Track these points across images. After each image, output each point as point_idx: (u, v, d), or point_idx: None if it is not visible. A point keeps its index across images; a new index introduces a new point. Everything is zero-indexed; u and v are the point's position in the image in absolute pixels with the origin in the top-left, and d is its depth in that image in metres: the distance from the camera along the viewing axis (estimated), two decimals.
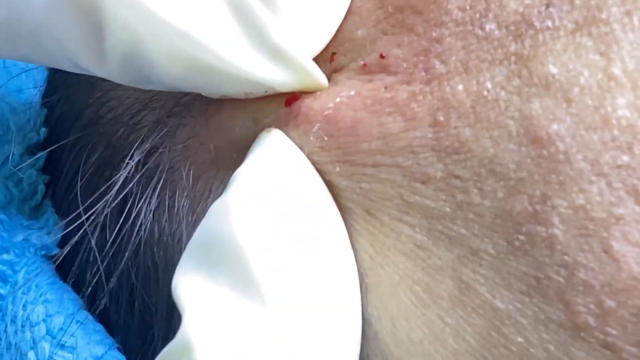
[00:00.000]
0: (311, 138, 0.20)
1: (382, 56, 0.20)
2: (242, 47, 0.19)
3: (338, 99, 0.20)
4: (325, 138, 0.20)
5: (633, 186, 0.17)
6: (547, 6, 0.18)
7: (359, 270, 0.20)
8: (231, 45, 0.19)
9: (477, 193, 0.18)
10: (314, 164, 0.20)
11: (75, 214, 0.24)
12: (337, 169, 0.20)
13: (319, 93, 0.20)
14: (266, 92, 0.20)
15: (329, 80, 0.21)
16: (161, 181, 0.23)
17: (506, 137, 0.18)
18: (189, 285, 0.18)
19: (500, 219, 0.18)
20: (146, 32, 0.19)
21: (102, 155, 0.24)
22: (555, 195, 0.17)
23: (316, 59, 0.21)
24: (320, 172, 0.20)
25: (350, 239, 0.20)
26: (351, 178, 0.20)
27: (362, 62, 0.20)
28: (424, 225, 0.19)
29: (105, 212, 0.23)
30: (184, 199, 0.22)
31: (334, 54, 0.21)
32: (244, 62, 0.19)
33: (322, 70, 0.21)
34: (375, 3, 0.20)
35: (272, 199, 0.19)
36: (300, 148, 0.20)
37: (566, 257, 0.17)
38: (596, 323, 0.17)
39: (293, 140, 0.20)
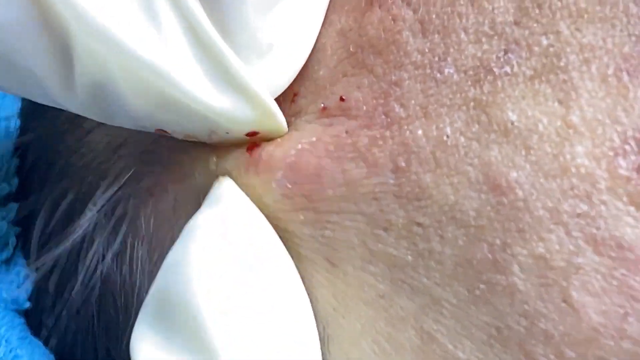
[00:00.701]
0: (273, 185, 0.20)
1: (342, 99, 0.20)
2: (205, 81, 0.19)
3: (300, 146, 0.20)
4: (289, 185, 0.20)
5: (592, 235, 0.17)
6: (506, 52, 0.18)
7: (320, 321, 0.20)
8: (195, 80, 0.19)
9: (438, 241, 0.18)
10: (276, 212, 0.20)
11: (40, 263, 0.23)
12: (301, 217, 0.20)
13: (279, 140, 0.20)
14: (227, 133, 0.20)
15: (289, 124, 0.21)
16: (123, 229, 0.22)
17: (466, 184, 0.18)
18: (145, 353, 0.18)
19: (461, 267, 0.18)
20: (114, 62, 0.18)
21: (71, 203, 0.24)
22: (514, 243, 0.17)
23: (278, 100, 0.20)
24: (283, 220, 0.20)
25: (311, 289, 0.20)
26: (314, 226, 0.20)
27: (322, 105, 0.20)
28: (386, 275, 0.19)
29: (67, 261, 0.22)
30: (143, 248, 0.22)
31: (295, 95, 0.21)
32: (206, 95, 0.19)
33: (283, 111, 0.20)
34: (338, 40, 0.20)
35: (227, 254, 0.19)
36: (261, 196, 0.20)
37: (526, 307, 0.17)
38: None
39: (255, 188, 0.20)
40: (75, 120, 0.24)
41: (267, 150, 0.20)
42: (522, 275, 0.17)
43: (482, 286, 0.18)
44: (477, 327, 0.18)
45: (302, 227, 0.20)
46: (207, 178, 0.21)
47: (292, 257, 0.20)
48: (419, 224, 0.18)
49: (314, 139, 0.20)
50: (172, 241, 0.20)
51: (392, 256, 0.19)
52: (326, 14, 0.21)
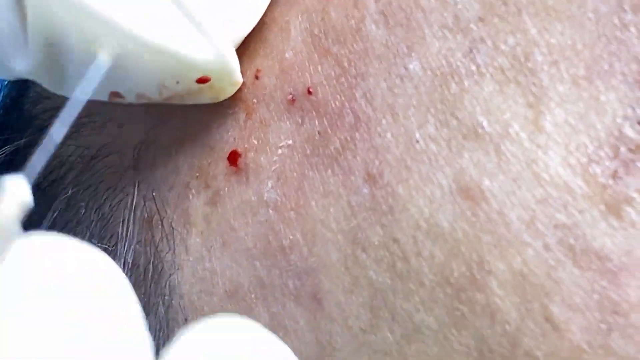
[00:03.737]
0: (265, 198, 0.19)
1: (309, 91, 0.19)
2: (160, 24, 0.18)
3: (280, 151, 0.19)
4: (279, 198, 0.19)
5: (570, 247, 0.16)
6: (471, 50, 0.17)
7: None
8: (148, 23, 0.18)
9: (415, 259, 0.17)
10: (271, 225, 0.19)
11: None
12: (292, 237, 0.19)
13: (257, 143, 0.20)
14: (177, 82, 0.19)
15: (253, 104, 0.20)
16: None
17: (439, 194, 0.17)
18: None
19: (440, 287, 0.17)
20: (65, 16, 0.17)
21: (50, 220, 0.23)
22: (492, 258, 0.17)
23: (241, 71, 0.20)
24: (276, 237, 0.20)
25: (297, 334, 0.19)
26: (301, 252, 0.19)
27: (290, 95, 0.19)
28: (367, 304, 0.18)
29: None
30: None
31: (258, 70, 0.20)
32: (160, 37, 0.18)
33: (244, 83, 0.20)
34: (302, 22, 0.20)
35: None
36: (254, 209, 0.20)
37: (507, 327, 0.16)
38: None
39: (249, 198, 0.20)
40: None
41: (251, 157, 0.20)
42: (501, 292, 0.16)
43: (461, 307, 0.17)
44: (460, 353, 0.17)
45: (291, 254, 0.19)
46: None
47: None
48: (395, 241, 0.18)
49: (290, 141, 0.19)
50: None
51: (372, 280, 0.18)
52: None
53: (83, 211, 0.22)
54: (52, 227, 0.23)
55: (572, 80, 0.17)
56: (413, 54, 0.18)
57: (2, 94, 0.27)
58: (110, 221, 0.22)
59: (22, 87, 0.25)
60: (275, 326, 0.19)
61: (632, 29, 0.17)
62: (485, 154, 0.17)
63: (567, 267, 0.16)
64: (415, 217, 0.17)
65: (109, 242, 0.22)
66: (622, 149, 0.16)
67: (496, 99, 0.17)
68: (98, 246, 0.21)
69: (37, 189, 0.23)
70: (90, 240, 0.21)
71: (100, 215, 0.22)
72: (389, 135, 0.18)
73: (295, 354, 0.19)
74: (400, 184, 0.18)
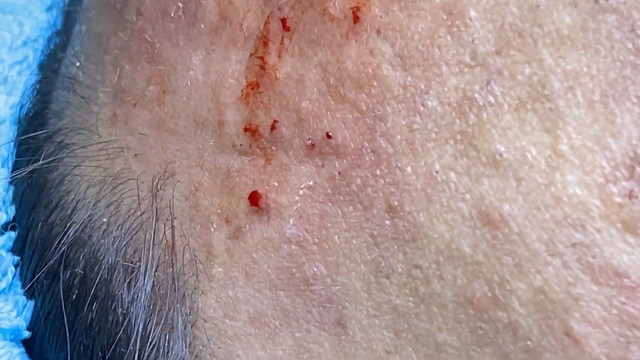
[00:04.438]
0: (287, 234, 0.20)
1: (329, 136, 0.20)
2: None
3: (301, 192, 0.20)
4: (300, 234, 0.20)
5: (589, 264, 0.17)
6: (488, 82, 0.18)
7: None
8: None
9: (437, 282, 0.18)
10: (289, 260, 0.20)
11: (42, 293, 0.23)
12: (316, 270, 0.20)
13: (277, 185, 0.20)
14: None
15: (269, 153, 0.21)
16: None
17: (460, 220, 0.18)
18: None
19: (462, 308, 0.18)
20: None
21: (72, 235, 0.24)
22: (513, 277, 0.17)
23: (253, 124, 0.21)
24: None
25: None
26: (325, 282, 0.20)
27: (309, 141, 0.20)
28: (390, 327, 0.19)
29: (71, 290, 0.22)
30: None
31: (275, 121, 0.21)
32: None
33: (261, 136, 0.20)
34: (317, 73, 0.20)
35: None
36: (276, 245, 0.20)
37: (529, 343, 0.17)
38: None
39: (271, 235, 0.20)
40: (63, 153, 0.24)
41: (272, 198, 0.20)
42: (523, 310, 0.17)
43: (484, 325, 0.17)
44: None
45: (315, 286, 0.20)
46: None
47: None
48: (417, 267, 0.18)
49: (311, 182, 0.20)
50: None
51: (396, 305, 0.19)
52: (299, 48, 0.21)
53: (104, 227, 0.23)
54: (76, 241, 0.23)
55: (588, 105, 0.17)
56: (431, 91, 0.19)
57: (25, 106, 0.27)
58: (134, 239, 0.22)
59: (45, 99, 0.26)
60: (300, 350, 0.20)
61: None
62: (505, 180, 0.18)
63: (586, 284, 0.17)
64: (437, 243, 0.18)
65: (132, 259, 0.22)
66: (638, 169, 0.17)
67: (514, 126, 0.18)
68: (123, 263, 0.22)
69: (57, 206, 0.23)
70: (115, 255, 0.22)
71: (122, 232, 0.22)
72: (409, 169, 0.19)
73: None
74: (421, 212, 0.18)
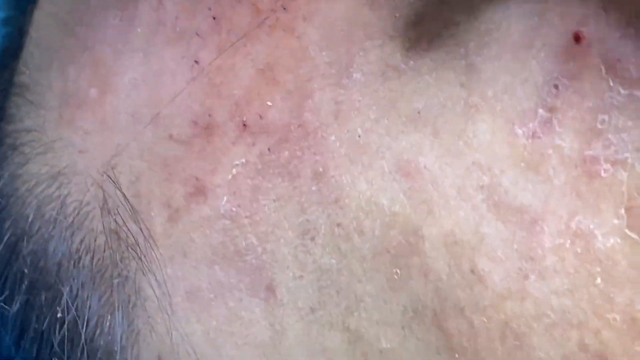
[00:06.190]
0: (222, 211, 0.21)
1: (260, 117, 0.21)
2: None
3: (234, 170, 0.21)
4: (234, 209, 0.21)
5: (494, 204, 0.17)
6: (408, 50, 0.19)
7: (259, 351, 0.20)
8: None
9: (357, 237, 0.19)
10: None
11: None
12: (251, 239, 0.21)
13: (212, 167, 0.21)
14: None
15: (208, 141, 0.21)
16: None
17: (380, 177, 0.19)
18: None
19: (380, 257, 0.18)
20: None
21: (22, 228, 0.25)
22: (426, 224, 0.18)
23: (189, 115, 0.21)
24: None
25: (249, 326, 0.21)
26: (256, 251, 0.20)
27: (242, 123, 0.21)
28: (315, 285, 0.19)
29: None
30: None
31: (210, 109, 0.21)
32: None
33: (201, 125, 0.21)
34: (248, 61, 0.21)
35: None
36: (212, 222, 0.21)
37: (439, 284, 0.17)
38: (468, 343, 0.17)
39: (207, 213, 0.21)
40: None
41: (207, 180, 0.21)
42: (434, 253, 0.17)
43: (399, 272, 0.18)
44: (397, 314, 0.18)
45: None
46: None
47: None
48: (339, 225, 0.19)
49: (243, 160, 0.21)
50: None
51: (320, 264, 0.19)
52: (230, 41, 0.21)
53: (53, 220, 0.24)
54: (25, 234, 0.24)
55: (497, 58, 0.18)
56: (355, 65, 0.20)
57: None
58: (81, 229, 0.23)
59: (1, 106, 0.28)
60: (233, 318, 0.21)
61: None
62: (422, 135, 0.18)
63: (492, 223, 0.17)
64: (358, 201, 0.19)
65: (79, 248, 0.23)
66: (540, 111, 0.17)
67: (432, 85, 0.19)
68: (69, 251, 0.23)
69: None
70: (63, 243, 0.23)
71: (69, 223, 0.23)
72: (333, 137, 0.19)
73: (251, 339, 0.20)
74: (344, 175, 0.19)
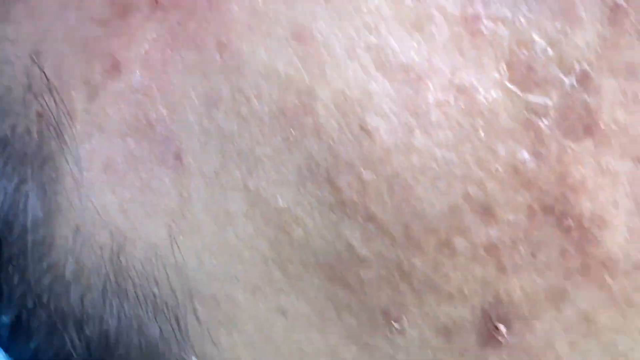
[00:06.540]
0: (135, 86, 0.21)
1: None
2: None
3: (146, 45, 0.21)
4: (145, 82, 0.21)
5: (382, 63, 0.18)
6: None
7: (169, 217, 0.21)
8: None
9: (256, 101, 0.19)
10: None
11: None
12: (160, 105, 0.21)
13: (126, 43, 0.21)
14: None
15: (124, 18, 0.22)
16: None
17: (277, 44, 0.19)
18: None
19: (276, 119, 0.19)
20: None
21: None
22: (318, 85, 0.18)
23: None
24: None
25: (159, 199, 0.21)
26: (164, 122, 0.21)
27: (154, 1, 0.21)
28: (218, 150, 0.20)
29: None
30: None
31: None
32: None
33: (115, 5, 0.21)
34: None
35: None
36: (125, 96, 0.21)
37: (331, 142, 0.18)
38: (358, 198, 0.18)
39: (121, 89, 0.21)
40: None
41: (120, 53, 0.21)
42: (325, 112, 0.18)
43: (294, 132, 0.19)
44: (292, 173, 0.19)
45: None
46: None
47: None
48: (240, 90, 0.19)
49: (155, 35, 0.21)
50: None
51: (222, 129, 0.20)
52: None
53: None
54: None
55: None
56: None
57: None
58: (9, 115, 0.24)
59: None
60: (145, 189, 0.21)
61: None
62: (315, 2, 0.19)
63: (380, 81, 0.18)
64: (257, 67, 0.19)
65: (7, 132, 0.23)
66: None
67: None
68: None
69: None
70: None
71: None
72: (235, 8, 0.20)
73: (162, 208, 0.21)
74: (244, 43, 0.19)
